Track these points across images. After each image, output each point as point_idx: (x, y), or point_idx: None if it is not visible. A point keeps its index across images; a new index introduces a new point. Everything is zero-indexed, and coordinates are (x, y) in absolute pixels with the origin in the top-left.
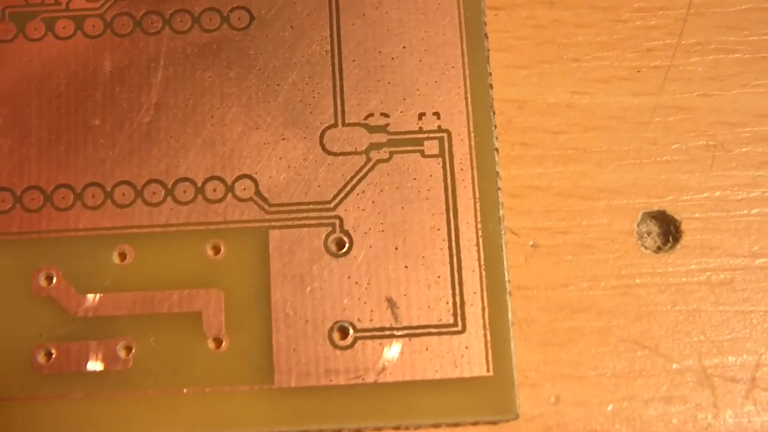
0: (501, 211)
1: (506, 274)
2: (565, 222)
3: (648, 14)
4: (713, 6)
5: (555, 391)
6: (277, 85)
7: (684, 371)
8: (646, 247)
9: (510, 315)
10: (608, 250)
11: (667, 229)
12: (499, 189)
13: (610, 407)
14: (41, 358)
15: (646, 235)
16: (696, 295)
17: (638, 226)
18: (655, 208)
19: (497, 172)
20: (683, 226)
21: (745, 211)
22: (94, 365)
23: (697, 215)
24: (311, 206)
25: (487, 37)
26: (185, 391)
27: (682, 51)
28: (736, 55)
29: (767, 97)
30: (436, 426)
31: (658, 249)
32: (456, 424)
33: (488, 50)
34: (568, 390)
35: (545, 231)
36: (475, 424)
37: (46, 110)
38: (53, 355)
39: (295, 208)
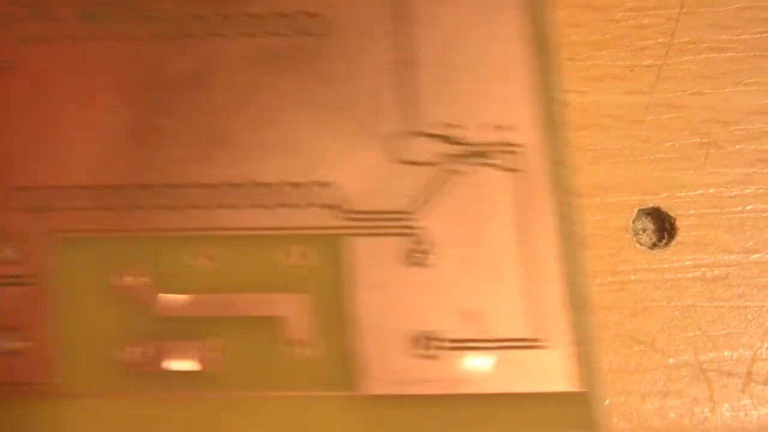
0: (576, 226)
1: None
2: None
3: (641, 14)
4: (705, 5)
5: None
6: (351, 91)
7: (680, 366)
8: (641, 244)
9: (593, 329)
10: (604, 246)
11: (662, 226)
12: (573, 204)
13: (606, 402)
14: (124, 356)
15: (641, 232)
16: (691, 291)
17: (633, 222)
18: (650, 205)
19: (571, 187)
20: (678, 223)
21: (740, 208)
22: (177, 366)
23: (691, 212)
24: (389, 215)
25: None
26: (269, 395)
27: (675, 50)
28: (728, 54)
29: (760, 96)
30: None
31: (654, 245)
32: None
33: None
34: None
35: None
36: None
37: (118, 110)
38: (135, 355)
39: (373, 216)
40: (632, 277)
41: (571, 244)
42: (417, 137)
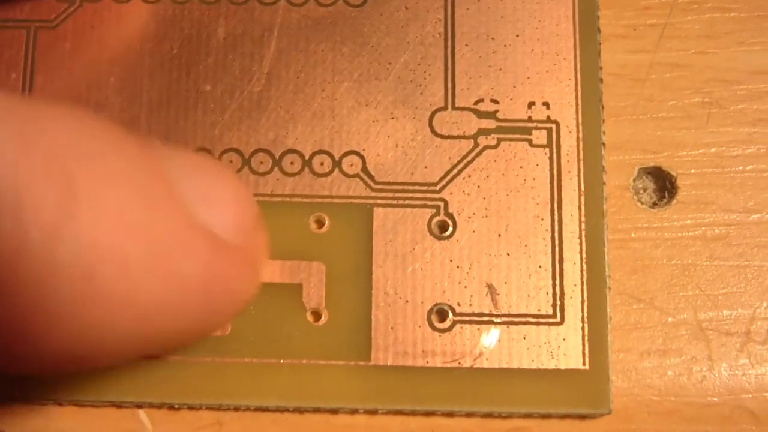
0: (605, 205)
1: (607, 269)
2: None
3: None
4: None
5: None
6: (389, 63)
7: (679, 324)
8: (642, 203)
9: (609, 310)
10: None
11: (663, 185)
12: (605, 184)
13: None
14: None
15: (642, 191)
16: (691, 250)
17: (634, 181)
18: (651, 164)
19: (603, 167)
20: (679, 182)
21: (740, 168)
22: None
23: (692, 171)
24: (416, 187)
25: (600, 31)
26: (282, 361)
27: (679, 9)
28: (732, 14)
29: (763, 55)
30: (527, 416)
31: (654, 204)
32: (547, 416)
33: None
34: None
35: None
36: (563, 417)
37: (158, 72)
38: None
39: (400, 187)
40: (632, 235)
41: (596, 224)
42: (452, 111)
